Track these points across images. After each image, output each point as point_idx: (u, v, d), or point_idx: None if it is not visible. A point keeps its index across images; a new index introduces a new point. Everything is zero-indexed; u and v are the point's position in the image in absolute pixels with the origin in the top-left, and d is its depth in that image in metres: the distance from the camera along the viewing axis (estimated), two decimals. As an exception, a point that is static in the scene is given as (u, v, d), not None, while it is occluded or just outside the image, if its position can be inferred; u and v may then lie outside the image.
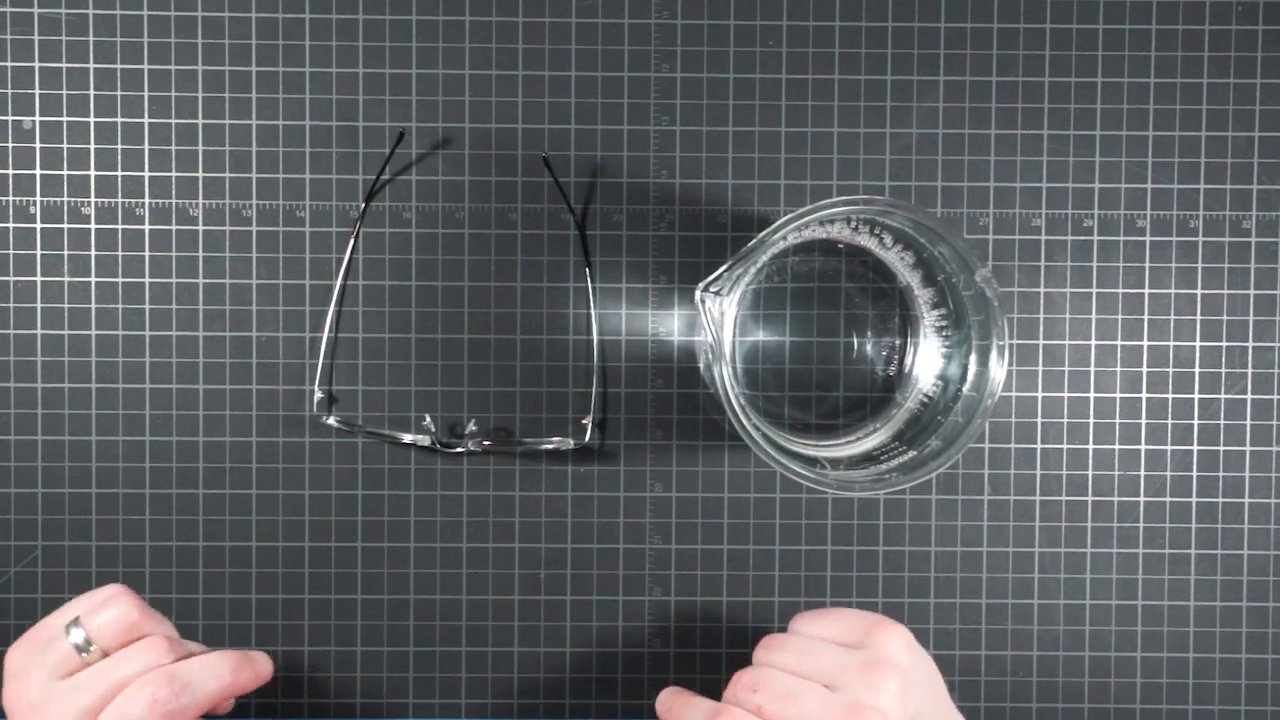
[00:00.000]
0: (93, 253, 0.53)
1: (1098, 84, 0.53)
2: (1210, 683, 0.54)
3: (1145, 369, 0.54)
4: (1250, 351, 0.54)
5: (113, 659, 0.44)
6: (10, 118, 0.52)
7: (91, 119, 0.53)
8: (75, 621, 0.44)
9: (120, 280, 0.53)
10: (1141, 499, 0.54)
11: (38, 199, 0.53)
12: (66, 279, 0.53)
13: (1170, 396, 0.54)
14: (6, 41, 0.52)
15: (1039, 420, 0.54)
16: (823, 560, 0.54)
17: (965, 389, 0.48)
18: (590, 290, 0.53)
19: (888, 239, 0.50)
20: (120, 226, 0.53)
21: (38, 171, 0.53)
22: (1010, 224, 0.53)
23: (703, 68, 0.53)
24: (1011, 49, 0.53)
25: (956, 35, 0.53)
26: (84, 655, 0.44)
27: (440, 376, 0.53)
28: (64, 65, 0.52)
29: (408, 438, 0.52)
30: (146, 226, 0.53)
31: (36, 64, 0.52)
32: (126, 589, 0.45)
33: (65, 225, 0.53)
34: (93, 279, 0.53)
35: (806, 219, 0.44)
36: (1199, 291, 0.54)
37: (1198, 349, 0.54)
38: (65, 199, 0.53)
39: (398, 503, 0.53)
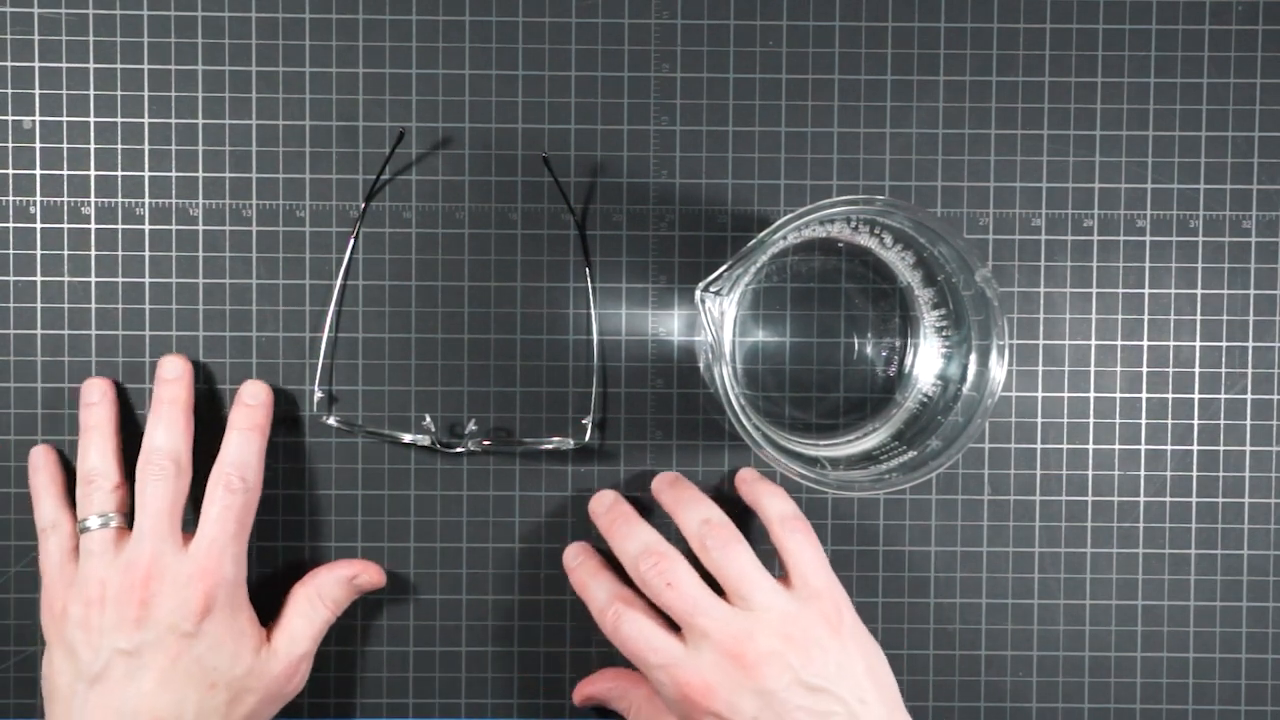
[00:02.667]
0: (93, 253, 0.53)
1: (1098, 84, 0.53)
2: (1210, 683, 0.54)
3: (1145, 369, 0.54)
4: (1250, 351, 0.54)
5: (144, 503, 0.48)
6: (10, 118, 0.52)
7: (91, 119, 0.53)
8: (82, 520, 0.49)
9: (120, 280, 0.53)
10: (1141, 499, 0.54)
11: (38, 199, 0.53)
12: (66, 279, 0.53)
13: (1170, 396, 0.54)
14: (6, 41, 0.52)
15: (1039, 420, 0.54)
16: (823, 560, 0.54)
17: (965, 389, 0.48)
18: (590, 290, 0.53)
19: (888, 239, 0.50)
20: (120, 226, 0.53)
21: (38, 171, 0.53)
22: (1010, 224, 0.53)
23: (703, 68, 0.53)
24: (1011, 49, 0.53)
25: (956, 35, 0.53)
26: (113, 526, 0.49)
27: (440, 376, 0.53)
28: (64, 65, 0.52)
29: (408, 438, 0.52)
30: (146, 226, 0.53)
31: (36, 64, 0.52)
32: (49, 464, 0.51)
33: (65, 225, 0.53)
34: (93, 279, 0.53)
35: (806, 219, 0.44)
36: (1199, 291, 0.54)
37: (1198, 349, 0.54)
38: (65, 199, 0.53)
39: (398, 503, 0.53)
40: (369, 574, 0.52)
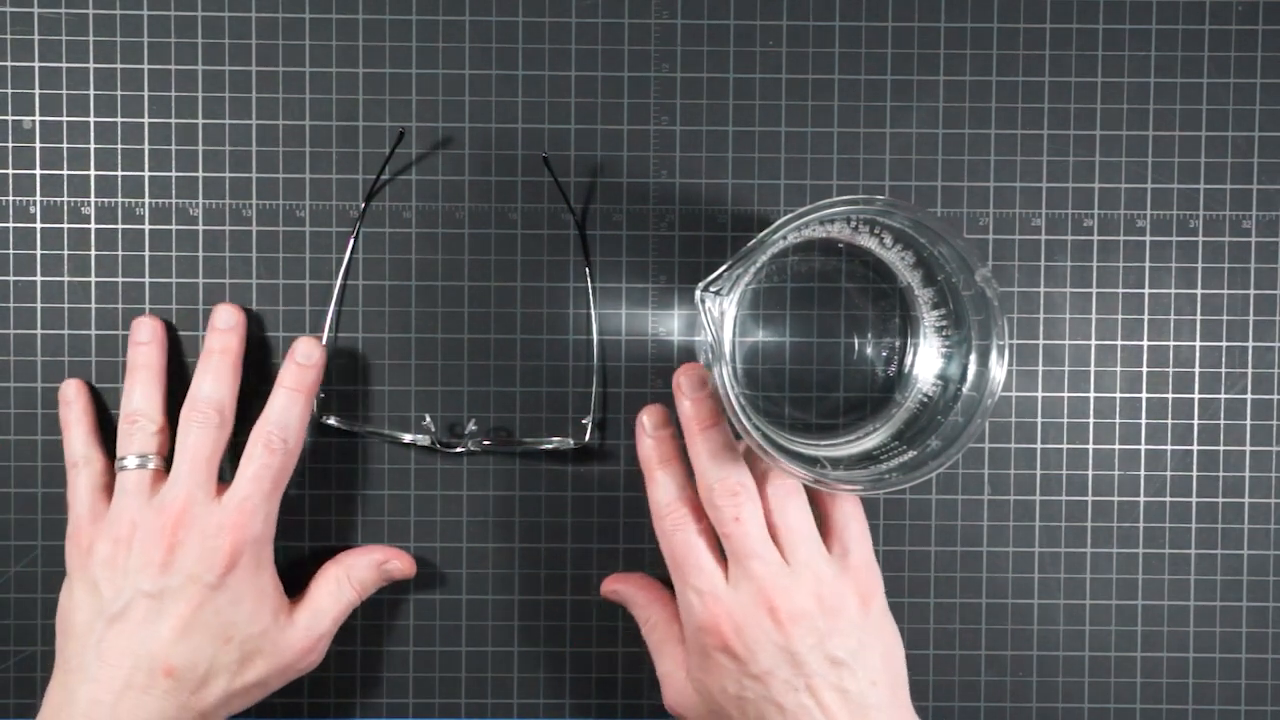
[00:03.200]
0: (93, 253, 0.53)
1: (1098, 84, 0.53)
2: (1210, 683, 0.54)
3: (1145, 369, 0.54)
4: (1250, 351, 0.54)
5: (183, 448, 0.48)
6: (10, 118, 0.52)
7: (91, 119, 0.53)
8: (120, 458, 0.49)
9: (120, 280, 0.53)
10: (1141, 499, 0.54)
11: (38, 199, 0.53)
12: (66, 279, 0.53)
13: (1170, 396, 0.54)
14: (6, 41, 0.52)
15: (1039, 420, 0.54)
16: (823, 560, 0.54)
17: (965, 389, 0.48)
18: (590, 290, 0.53)
19: (888, 239, 0.50)
20: (120, 226, 0.53)
21: (38, 171, 0.53)
22: (1010, 224, 0.53)
23: (703, 68, 0.53)
24: (1011, 49, 0.53)
25: (956, 35, 0.53)
26: (150, 467, 0.49)
27: (440, 376, 0.53)
28: (64, 65, 0.52)
29: (408, 437, 0.52)
30: (146, 226, 0.53)
31: (36, 64, 0.52)
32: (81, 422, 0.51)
33: (65, 225, 0.53)
34: (93, 279, 0.53)
35: (806, 219, 0.44)
36: (1199, 291, 0.54)
37: (1198, 349, 0.54)
38: (65, 199, 0.53)
39: (398, 502, 0.53)
40: (400, 561, 0.52)
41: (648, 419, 0.49)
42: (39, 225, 0.53)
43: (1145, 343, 0.54)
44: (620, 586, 0.52)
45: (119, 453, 0.49)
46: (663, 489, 0.48)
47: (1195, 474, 0.54)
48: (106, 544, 0.47)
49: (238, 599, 0.47)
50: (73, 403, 0.51)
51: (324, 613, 0.50)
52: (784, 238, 0.46)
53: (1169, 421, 0.54)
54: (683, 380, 0.48)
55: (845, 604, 0.46)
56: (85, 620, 0.47)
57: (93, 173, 0.53)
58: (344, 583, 0.51)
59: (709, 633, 0.46)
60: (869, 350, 0.53)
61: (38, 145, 0.52)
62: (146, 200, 0.53)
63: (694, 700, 0.48)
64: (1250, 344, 0.54)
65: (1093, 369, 0.54)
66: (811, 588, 0.46)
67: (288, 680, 0.50)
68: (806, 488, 0.48)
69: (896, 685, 0.47)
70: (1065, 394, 0.54)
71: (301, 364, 0.50)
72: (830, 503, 0.49)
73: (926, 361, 0.52)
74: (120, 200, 0.53)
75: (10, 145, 0.52)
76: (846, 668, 0.45)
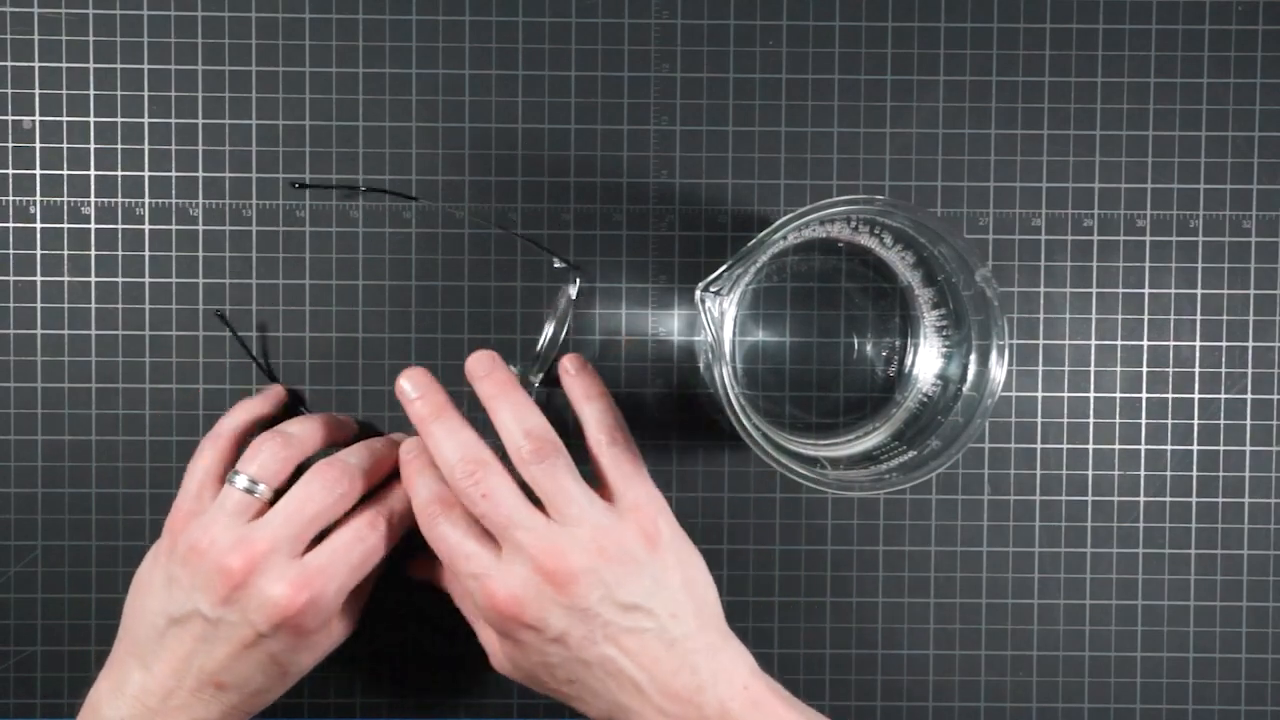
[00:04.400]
0: (93, 253, 0.53)
1: (1098, 84, 0.53)
2: (1210, 683, 0.54)
3: (1145, 369, 0.54)
4: (1250, 351, 0.54)
5: (296, 496, 0.46)
6: (10, 118, 0.52)
7: (91, 119, 0.53)
8: (235, 472, 0.47)
9: (120, 280, 0.53)
10: (1141, 499, 0.54)
11: (38, 199, 0.53)
12: (66, 279, 0.53)
13: (1170, 396, 0.54)
14: (6, 41, 0.52)
15: (1039, 420, 0.54)
16: (823, 560, 0.54)
17: (965, 389, 0.48)
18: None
19: (888, 239, 0.50)
20: (120, 226, 0.53)
21: (38, 171, 0.53)
22: (1010, 224, 0.53)
23: (703, 68, 0.53)
24: (1011, 49, 0.53)
25: (956, 35, 0.53)
26: (256, 495, 0.47)
27: (440, 376, 0.53)
28: (64, 65, 0.52)
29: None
30: (146, 226, 0.53)
31: (36, 64, 0.52)
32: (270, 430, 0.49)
33: (65, 225, 0.53)
34: (93, 279, 0.53)
35: (806, 219, 0.44)
36: (1199, 291, 0.54)
37: (1198, 349, 0.54)
38: (65, 199, 0.53)
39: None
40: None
41: (400, 450, 0.49)
42: (39, 225, 0.53)
43: (1145, 343, 0.54)
44: (422, 572, 0.51)
45: (238, 464, 0.47)
46: (420, 493, 0.47)
47: (1195, 474, 0.54)
48: (187, 544, 0.46)
49: (293, 648, 0.46)
50: (268, 394, 0.52)
51: (362, 589, 0.49)
52: (784, 238, 0.46)
53: (1169, 421, 0.54)
54: (403, 383, 0.48)
55: (630, 547, 0.45)
56: (155, 606, 0.46)
57: (93, 173, 0.53)
58: (378, 528, 0.48)
59: (495, 612, 0.45)
60: (869, 350, 0.53)
61: (38, 145, 0.52)
62: (146, 200, 0.53)
63: (512, 667, 0.47)
64: (1250, 344, 0.54)
65: (1093, 369, 0.54)
66: (589, 541, 0.45)
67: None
68: (577, 441, 0.47)
69: (702, 609, 0.46)
70: (1065, 394, 0.54)
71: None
72: (597, 451, 0.48)
73: (926, 361, 0.52)
74: (120, 200, 0.53)
75: (10, 145, 0.52)
76: (641, 610, 0.45)
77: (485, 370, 0.47)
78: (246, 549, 0.45)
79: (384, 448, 0.49)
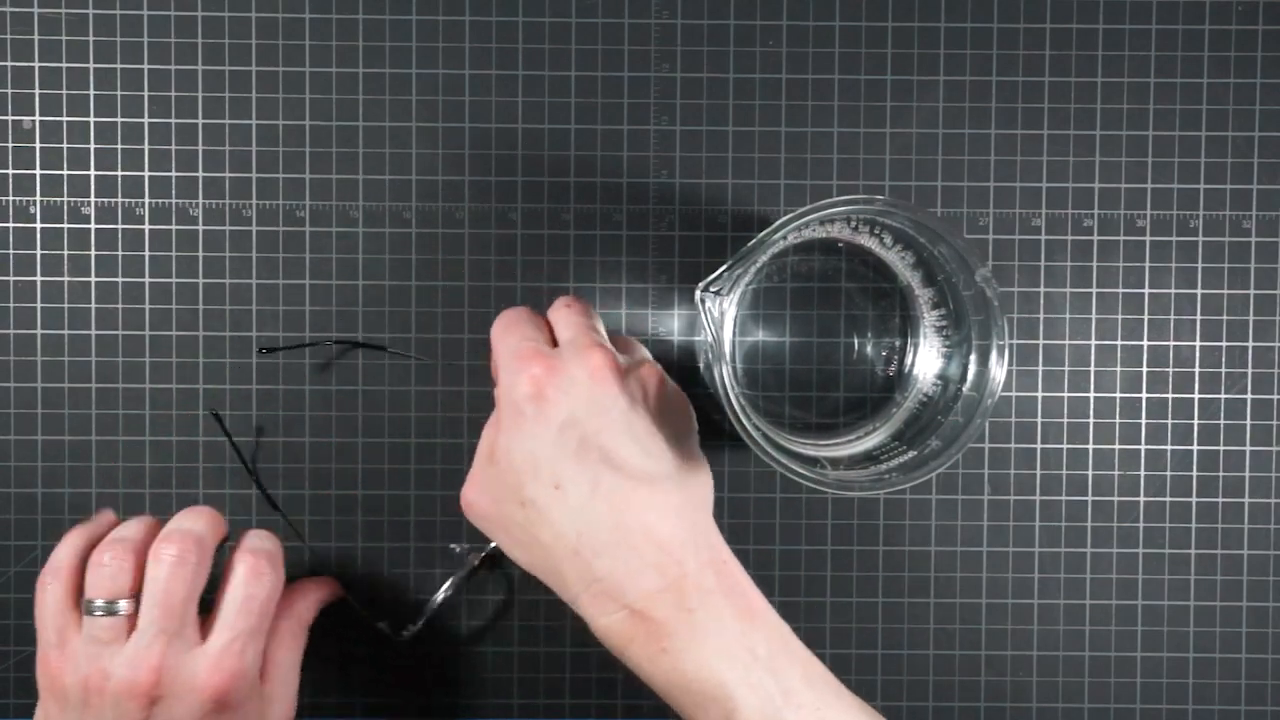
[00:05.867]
0: (93, 253, 0.53)
1: (1098, 84, 0.53)
2: (1210, 683, 0.54)
3: (1145, 369, 0.54)
4: (1250, 351, 0.54)
5: (157, 588, 0.44)
6: (10, 118, 0.52)
7: (91, 119, 0.53)
8: (89, 601, 0.44)
9: (120, 280, 0.53)
10: (1141, 499, 0.54)
11: (38, 199, 0.53)
12: (66, 279, 0.53)
13: (1170, 396, 0.54)
14: (6, 41, 0.52)
15: (1039, 420, 0.54)
16: (823, 560, 0.54)
17: (965, 389, 0.48)
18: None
19: (888, 239, 0.50)
20: (120, 226, 0.53)
21: (38, 171, 0.53)
22: (1010, 224, 0.53)
23: (703, 68, 0.53)
24: (1011, 49, 0.53)
25: (956, 35, 0.53)
26: (120, 613, 0.44)
27: (440, 376, 0.53)
28: (64, 65, 0.52)
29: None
30: (146, 226, 0.53)
31: (36, 64, 0.52)
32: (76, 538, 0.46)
33: (65, 225, 0.53)
34: (93, 279, 0.53)
35: (806, 219, 0.44)
36: (1199, 291, 0.54)
37: (1198, 349, 0.54)
38: (65, 199, 0.53)
39: (398, 503, 0.53)
40: (328, 588, 0.51)
41: None
42: (39, 225, 0.53)
43: (1145, 343, 0.54)
44: None
45: (87, 592, 0.44)
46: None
47: (1195, 474, 0.54)
48: (78, 685, 0.44)
49: None
50: (98, 520, 0.48)
51: (293, 672, 0.48)
52: (784, 238, 0.46)
53: (1169, 421, 0.54)
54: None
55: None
56: None
57: (93, 173, 0.53)
58: (299, 635, 0.49)
59: (533, 384, 0.43)
60: (869, 350, 0.53)
61: (38, 145, 0.52)
62: (146, 200, 0.53)
63: (488, 461, 0.45)
64: (1250, 344, 0.54)
65: (1093, 369, 0.54)
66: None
67: None
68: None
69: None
70: (1065, 394, 0.54)
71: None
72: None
73: (926, 361, 0.52)
74: (120, 200, 0.53)
75: (10, 145, 0.52)
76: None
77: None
78: (145, 660, 0.43)
79: (194, 514, 0.47)
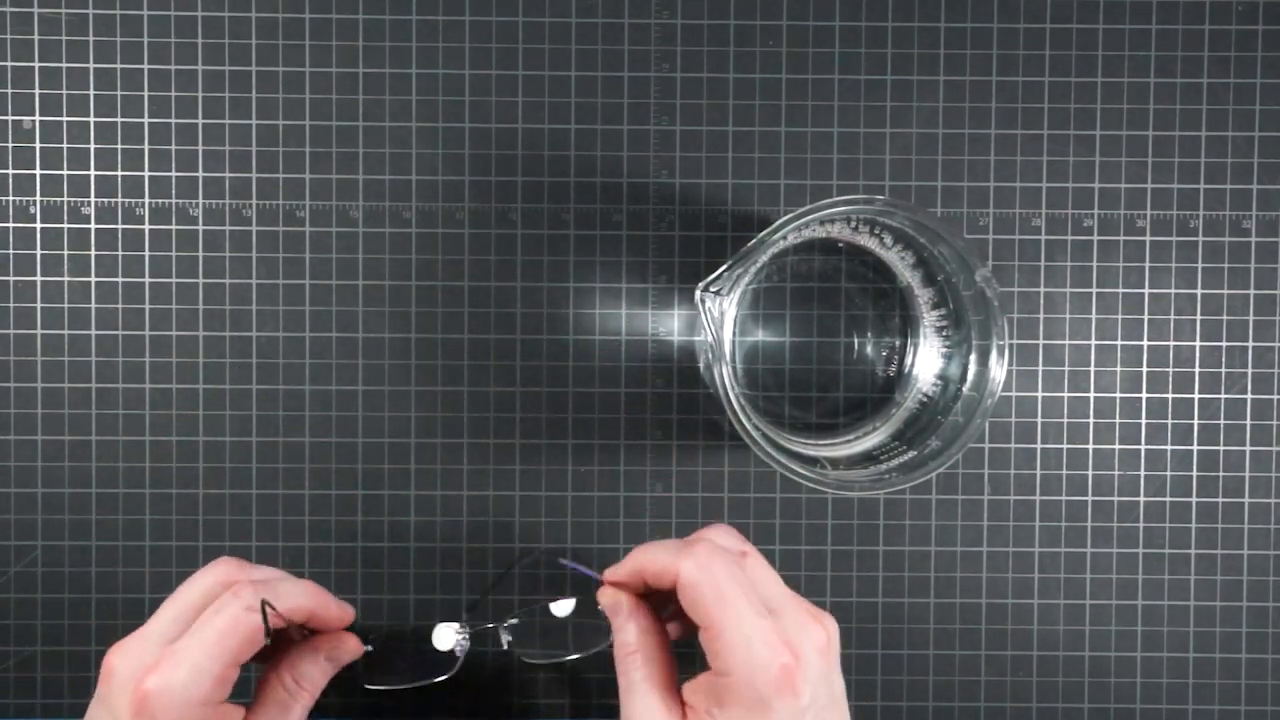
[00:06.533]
0: (93, 253, 0.53)
1: (1098, 84, 0.53)
2: (1210, 683, 0.54)
3: (1145, 369, 0.54)
4: (1250, 351, 0.54)
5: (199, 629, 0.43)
6: (10, 118, 0.52)
7: (91, 119, 0.53)
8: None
9: (120, 280, 0.53)
10: (1141, 499, 0.54)
11: (38, 199, 0.53)
12: (66, 279, 0.53)
13: (1170, 396, 0.54)
14: (6, 41, 0.52)
15: (1039, 420, 0.54)
16: (823, 560, 0.54)
17: (965, 389, 0.48)
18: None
19: (888, 239, 0.50)
20: (120, 226, 0.53)
21: (38, 171, 0.53)
22: (1010, 224, 0.53)
23: (703, 68, 0.53)
24: (1011, 49, 0.53)
25: (956, 35, 0.53)
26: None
27: (440, 376, 0.53)
28: (64, 65, 0.52)
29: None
30: (146, 226, 0.53)
31: (36, 64, 0.52)
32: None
33: (65, 225, 0.53)
34: (93, 279, 0.53)
35: (806, 219, 0.44)
36: (1199, 291, 0.54)
37: (1198, 349, 0.54)
38: (65, 199, 0.53)
39: (398, 503, 0.53)
40: (344, 645, 0.48)
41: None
42: (39, 225, 0.53)
43: (1145, 343, 0.54)
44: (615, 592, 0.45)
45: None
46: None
47: (1195, 474, 0.54)
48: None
49: None
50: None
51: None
52: (784, 238, 0.46)
53: (1169, 421, 0.54)
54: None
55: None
56: None
57: (93, 173, 0.53)
58: (292, 690, 0.46)
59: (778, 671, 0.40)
60: (869, 350, 0.53)
61: (38, 145, 0.52)
62: (146, 200, 0.53)
63: None
64: (1250, 344, 0.54)
65: (1093, 369, 0.54)
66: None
67: None
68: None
69: None
70: (1065, 394, 0.54)
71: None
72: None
73: (926, 361, 0.52)
74: (120, 200, 0.53)
75: (10, 145, 0.52)
76: None
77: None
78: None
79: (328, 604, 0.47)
